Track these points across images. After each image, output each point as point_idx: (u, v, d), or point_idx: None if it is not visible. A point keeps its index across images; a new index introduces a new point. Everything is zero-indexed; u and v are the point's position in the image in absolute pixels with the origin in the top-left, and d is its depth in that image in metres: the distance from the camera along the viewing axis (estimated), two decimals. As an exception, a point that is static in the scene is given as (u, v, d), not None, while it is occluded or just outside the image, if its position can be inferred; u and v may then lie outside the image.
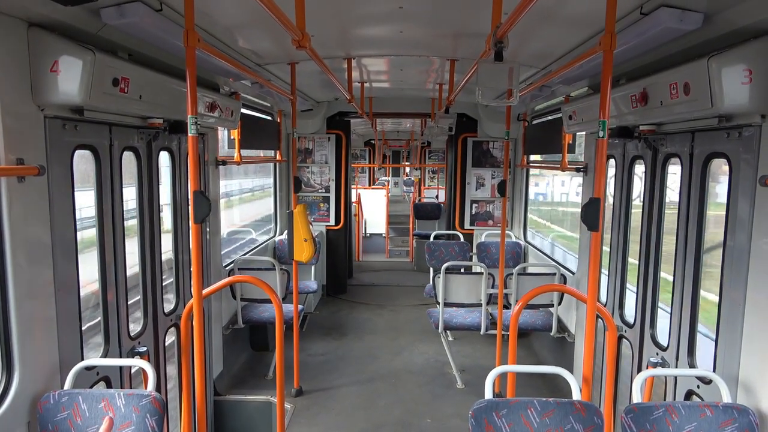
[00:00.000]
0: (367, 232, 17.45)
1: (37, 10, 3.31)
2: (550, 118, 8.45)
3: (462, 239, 10.33)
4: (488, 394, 3.65)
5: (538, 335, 8.65)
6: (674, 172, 4.76)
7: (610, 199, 5.83)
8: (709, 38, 3.66)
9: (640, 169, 5.32)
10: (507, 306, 7.43)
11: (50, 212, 3.74)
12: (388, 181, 25.36)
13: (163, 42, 4.22)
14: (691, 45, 3.84)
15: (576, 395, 3.68)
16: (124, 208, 4.70)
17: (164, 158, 5.45)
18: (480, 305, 7.38)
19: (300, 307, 7.77)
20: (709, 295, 4.44)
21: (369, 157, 24.31)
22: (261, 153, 9.90)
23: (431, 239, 10.13)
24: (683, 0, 3.44)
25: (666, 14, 3.52)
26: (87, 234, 5.04)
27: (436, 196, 21.55)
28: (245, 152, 7.81)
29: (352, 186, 16.25)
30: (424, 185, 24.44)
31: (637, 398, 3.70)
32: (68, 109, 3.79)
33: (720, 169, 4.29)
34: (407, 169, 28.42)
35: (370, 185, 24.51)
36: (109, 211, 4.51)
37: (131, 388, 4.73)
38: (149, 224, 5.15)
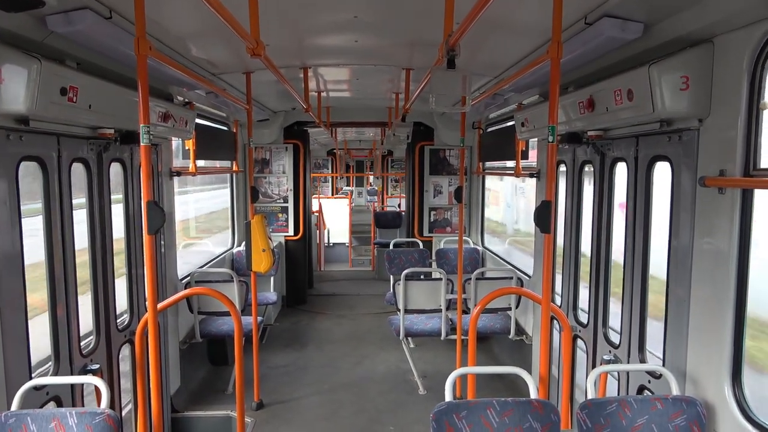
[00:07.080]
0: (330, 241, 17.36)
1: None
2: (503, 125, 8.65)
3: (421, 246, 10.42)
4: (448, 396, 3.68)
5: (498, 339, 8.78)
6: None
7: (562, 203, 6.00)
8: (649, 47, 3.85)
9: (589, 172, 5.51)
10: (466, 311, 7.53)
11: None
12: (352, 191, 25.26)
13: (114, 50, 4.14)
14: (633, 53, 4.03)
15: (533, 394, 3.76)
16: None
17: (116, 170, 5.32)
18: (440, 311, 7.45)
19: (259, 318, 7.67)
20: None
21: (332, 166, 24.22)
22: (217, 164, 9.74)
23: (391, 247, 10.17)
24: (624, 10, 3.60)
25: (609, 24, 3.68)
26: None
27: (399, 205, 21.61)
28: (201, 163, 7.69)
29: (314, 196, 16.15)
30: (387, 194, 24.50)
31: (591, 394, 3.80)
32: (12, 119, 3.66)
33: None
34: (371, 179, 28.38)
35: (333, 195, 24.37)
36: (58, 224, 4.36)
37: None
38: (101, 238, 5.01)
